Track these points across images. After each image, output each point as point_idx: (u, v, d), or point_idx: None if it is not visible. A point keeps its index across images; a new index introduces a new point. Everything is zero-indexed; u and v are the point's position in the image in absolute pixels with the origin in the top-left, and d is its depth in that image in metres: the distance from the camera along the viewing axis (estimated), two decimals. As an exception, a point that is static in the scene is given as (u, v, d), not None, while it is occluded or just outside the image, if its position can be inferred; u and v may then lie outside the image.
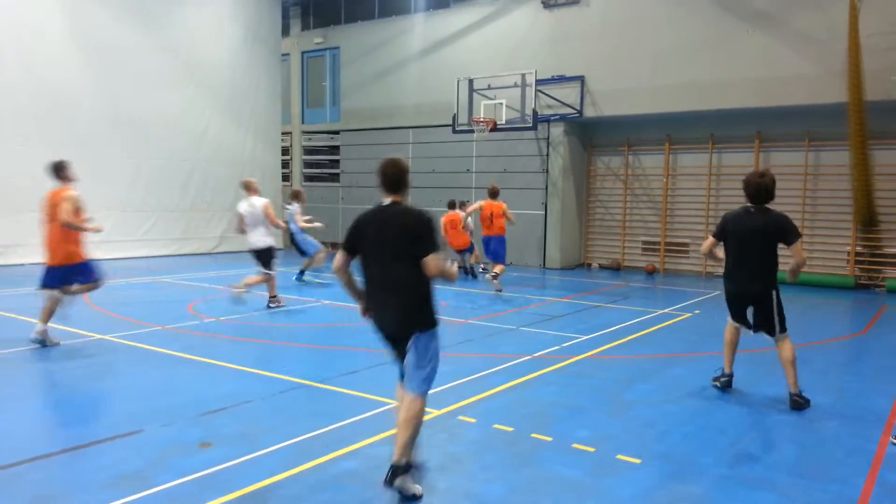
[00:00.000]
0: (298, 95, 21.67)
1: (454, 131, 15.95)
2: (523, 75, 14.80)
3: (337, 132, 20.67)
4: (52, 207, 7.48)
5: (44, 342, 7.41)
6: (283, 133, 20.95)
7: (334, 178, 20.68)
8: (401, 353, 4.17)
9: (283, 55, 20.88)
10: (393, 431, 4.19)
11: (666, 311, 10.60)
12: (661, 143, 15.92)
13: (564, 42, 16.07)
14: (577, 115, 15.79)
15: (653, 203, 16.25)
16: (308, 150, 21.70)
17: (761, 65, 13.69)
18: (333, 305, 10.63)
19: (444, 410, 5.51)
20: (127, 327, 8.59)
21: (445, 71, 17.33)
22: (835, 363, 7.72)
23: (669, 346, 8.23)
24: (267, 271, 10.06)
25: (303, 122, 21.71)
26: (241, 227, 10.06)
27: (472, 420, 5.32)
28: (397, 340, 4.17)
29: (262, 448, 4.65)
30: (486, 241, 12.41)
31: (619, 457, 4.63)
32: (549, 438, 4.96)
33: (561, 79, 15.89)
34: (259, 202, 9.99)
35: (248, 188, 10.20)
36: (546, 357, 7.41)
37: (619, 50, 15.33)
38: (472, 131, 15.34)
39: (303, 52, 21.43)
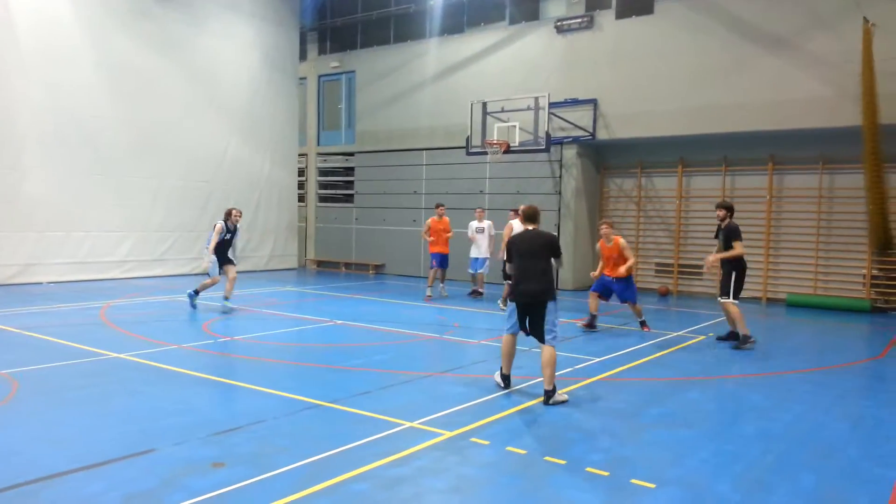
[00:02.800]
0: (315, 118, 21.94)
1: (468, 153, 16.06)
2: (536, 98, 14.90)
3: (352, 154, 20.86)
4: None
5: None
6: (299, 155, 21.20)
7: (349, 198, 20.82)
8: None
9: (301, 79, 21.20)
10: (405, 453, 4.17)
11: (680, 333, 10.53)
12: (674, 166, 15.92)
13: (578, 66, 16.19)
14: (590, 137, 15.85)
15: (666, 225, 16.22)
16: (323, 172, 21.90)
17: (775, 88, 13.70)
18: (347, 325, 10.65)
19: (456, 432, 5.49)
20: (143, 346, 8.66)
21: (459, 94, 17.49)
22: (852, 388, 7.62)
23: (684, 369, 8.16)
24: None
25: (318, 144, 21.94)
26: None
27: (485, 442, 5.30)
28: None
29: (275, 469, 4.65)
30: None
31: (634, 481, 4.58)
32: (563, 462, 4.92)
33: (574, 102, 15.99)
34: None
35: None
36: (559, 379, 7.36)
37: (632, 73, 15.42)
38: (485, 153, 15.43)
39: (319, 76, 21.73)
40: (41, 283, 14.66)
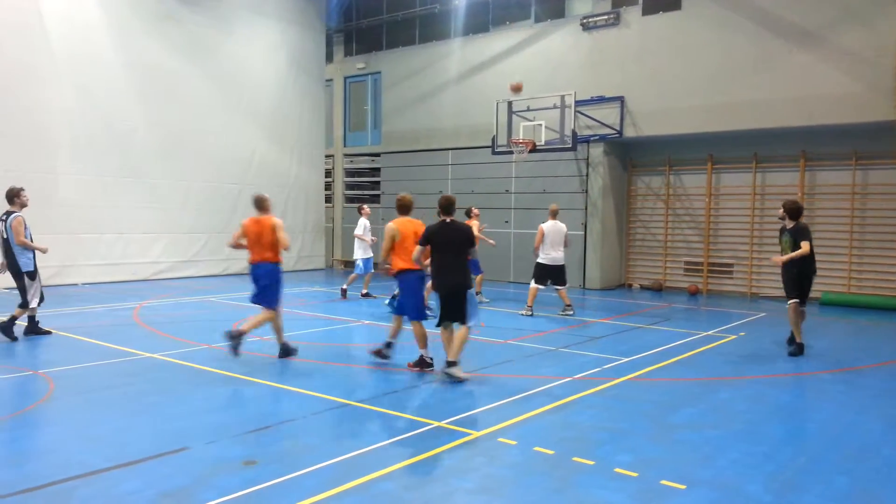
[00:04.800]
0: (341, 119, 22.09)
1: (493, 153, 16.03)
2: (562, 96, 14.81)
3: (378, 154, 20.96)
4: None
5: None
6: (326, 155, 21.37)
7: (375, 199, 20.91)
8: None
9: (327, 80, 21.37)
10: (433, 452, 4.19)
11: (710, 332, 10.40)
12: (703, 163, 15.73)
13: (604, 63, 16.07)
14: (617, 135, 15.73)
15: (695, 223, 16.03)
16: (350, 173, 22.04)
17: (806, 83, 13.46)
18: (374, 325, 10.72)
19: (483, 432, 5.50)
20: (175, 346, 8.81)
21: (485, 94, 17.46)
22: (886, 389, 7.45)
23: (714, 369, 8.06)
24: None
25: (345, 145, 22.09)
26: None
27: (513, 442, 5.30)
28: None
29: (305, 467, 4.71)
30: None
31: (663, 482, 4.55)
32: (591, 462, 4.90)
33: (601, 99, 15.88)
34: None
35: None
36: (587, 379, 7.35)
37: (659, 70, 15.26)
38: (511, 153, 15.39)
39: (345, 77, 21.87)
40: (76, 285, 14.98)
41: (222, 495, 4.24)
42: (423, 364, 7.58)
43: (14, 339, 9.06)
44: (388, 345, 7.86)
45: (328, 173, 21.88)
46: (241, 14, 18.41)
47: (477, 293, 13.18)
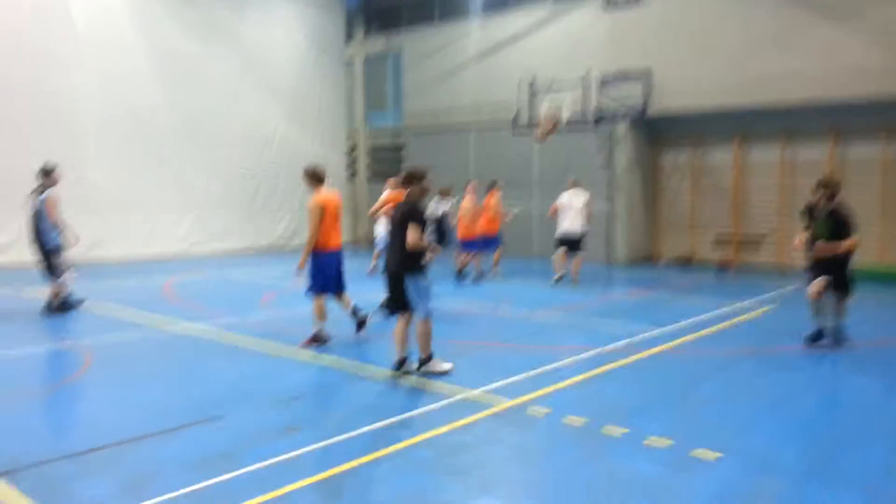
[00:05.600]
0: (362, 99, 22.02)
1: (514, 134, 15.94)
2: (586, 72, 14.62)
3: (399, 133, 20.92)
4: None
5: None
6: (347, 135, 21.37)
7: (396, 175, 20.78)
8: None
9: (347, 61, 21.31)
10: (466, 421, 4.24)
11: (739, 305, 10.30)
12: (730, 138, 15.49)
13: (627, 38, 15.81)
14: (642, 111, 15.50)
15: (724, 198, 15.82)
16: (372, 150, 22.01)
17: (835, 56, 13.16)
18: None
19: (513, 402, 5.53)
20: (205, 318, 8.93)
21: (506, 71, 17.33)
22: (922, 362, 7.37)
23: (744, 341, 8.00)
24: None
25: (366, 125, 22.03)
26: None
27: (543, 412, 5.33)
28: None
29: (342, 434, 4.79)
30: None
31: (696, 452, 4.55)
32: (624, 431, 4.92)
33: (624, 77, 15.63)
34: None
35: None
36: (616, 351, 7.34)
37: (684, 45, 15.00)
38: (533, 130, 15.26)
39: (366, 57, 21.77)
40: (107, 263, 15.21)
41: (264, 459, 4.34)
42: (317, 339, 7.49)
43: (71, 308, 9.31)
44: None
45: (350, 152, 21.87)
46: (258, -6, 18.51)
47: (494, 267, 13.32)
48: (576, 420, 5.14)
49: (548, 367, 6.63)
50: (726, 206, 15.77)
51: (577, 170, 16.04)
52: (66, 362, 7.21)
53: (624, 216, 16.22)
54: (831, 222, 7.39)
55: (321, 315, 7.50)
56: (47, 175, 9.28)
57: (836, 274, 7.47)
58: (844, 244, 7.30)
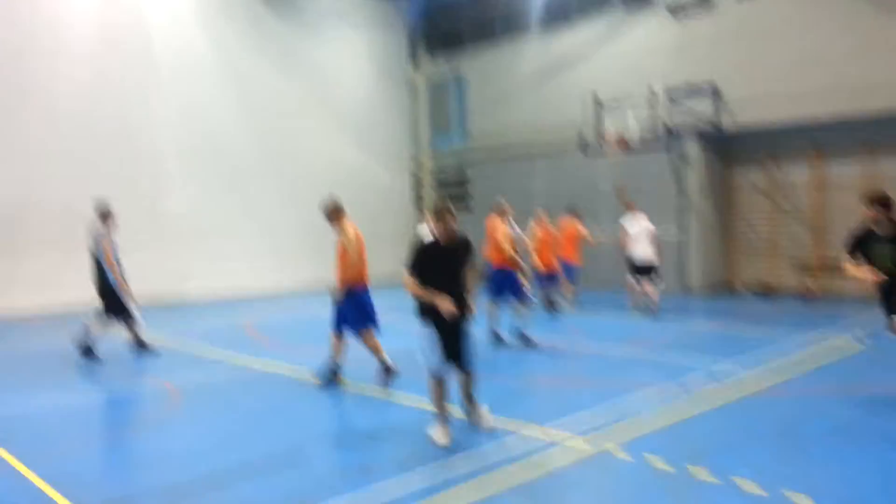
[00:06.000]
0: (427, 123, 22.10)
1: (583, 154, 15.71)
2: (655, 89, 14.29)
3: (464, 156, 20.88)
4: None
5: None
6: (412, 160, 21.51)
7: (463, 201, 20.49)
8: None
9: (411, 85, 21.57)
10: (542, 467, 4.06)
11: (827, 337, 9.73)
12: (807, 153, 14.81)
13: (695, 51, 15.42)
14: (714, 127, 15.04)
15: (804, 219, 15.11)
16: (437, 177, 21.83)
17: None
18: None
19: (596, 443, 5.35)
20: (289, 358, 9.07)
21: (571, 90, 17.20)
22: None
23: (838, 378, 7.52)
24: None
25: (431, 149, 21.97)
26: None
27: (628, 456, 5.12)
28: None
29: (416, 471, 4.76)
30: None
31: (789, 493, 4.28)
32: (713, 475, 4.67)
33: (694, 91, 15.23)
34: None
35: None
36: (703, 389, 7.02)
37: (756, 56, 14.52)
38: (601, 151, 15.02)
39: (429, 80, 21.91)
40: (186, 298, 15.55)
41: (342, 497, 4.34)
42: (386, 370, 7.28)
43: (150, 349, 9.24)
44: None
45: (415, 178, 21.91)
46: (327, 21, 19.07)
47: (569, 296, 13.01)
48: (664, 464, 4.92)
49: (628, 407, 6.39)
50: (808, 229, 15.04)
51: (647, 193, 15.60)
52: (151, 399, 7.42)
53: (698, 240, 15.68)
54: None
55: (341, 351, 7.31)
56: (104, 218, 8.99)
57: None
58: None
